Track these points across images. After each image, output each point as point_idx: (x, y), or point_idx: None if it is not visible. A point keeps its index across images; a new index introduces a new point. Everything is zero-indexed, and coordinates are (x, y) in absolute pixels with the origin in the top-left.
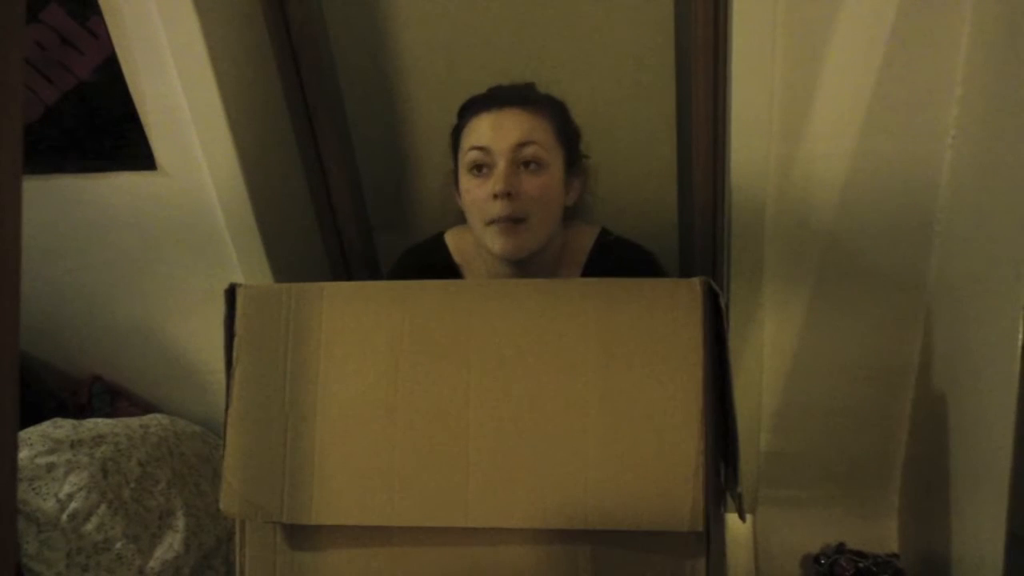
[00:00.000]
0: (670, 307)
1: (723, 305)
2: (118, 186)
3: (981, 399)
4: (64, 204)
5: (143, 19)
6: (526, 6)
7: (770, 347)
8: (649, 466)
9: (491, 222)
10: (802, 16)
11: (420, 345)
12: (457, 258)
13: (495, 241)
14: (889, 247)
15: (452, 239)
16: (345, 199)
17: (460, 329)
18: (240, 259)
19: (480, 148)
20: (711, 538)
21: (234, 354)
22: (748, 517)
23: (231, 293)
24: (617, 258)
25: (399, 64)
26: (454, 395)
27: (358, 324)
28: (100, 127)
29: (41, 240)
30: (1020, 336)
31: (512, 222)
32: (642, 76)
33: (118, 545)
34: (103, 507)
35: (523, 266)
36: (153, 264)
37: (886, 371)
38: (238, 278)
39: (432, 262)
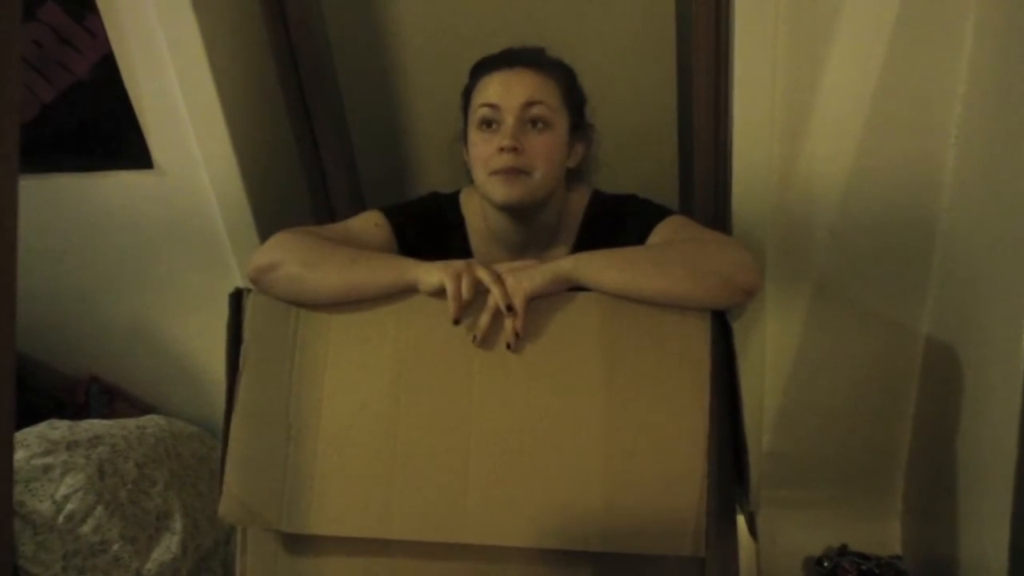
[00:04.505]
0: (677, 326)
1: (731, 325)
2: (115, 185)
3: (985, 400)
4: (61, 203)
5: (140, 17)
6: (527, 10)
7: (772, 347)
8: (652, 489)
9: (494, 172)
10: (804, 14)
11: (424, 357)
12: (464, 211)
13: (497, 189)
14: (892, 246)
15: (464, 195)
16: (343, 198)
17: (464, 343)
18: (238, 259)
19: (489, 105)
20: (717, 561)
21: (241, 361)
22: None
23: (236, 298)
24: (608, 212)
25: (399, 62)
26: (456, 409)
27: (364, 335)
28: (97, 126)
29: (38, 239)
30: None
31: (515, 172)
32: (643, 76)
33: (115, 547)
34: (100, 509)
35: (523, 221)
36: (150, 263)
37: (889, 372)
38: (235, 278)
39: (443, 208)
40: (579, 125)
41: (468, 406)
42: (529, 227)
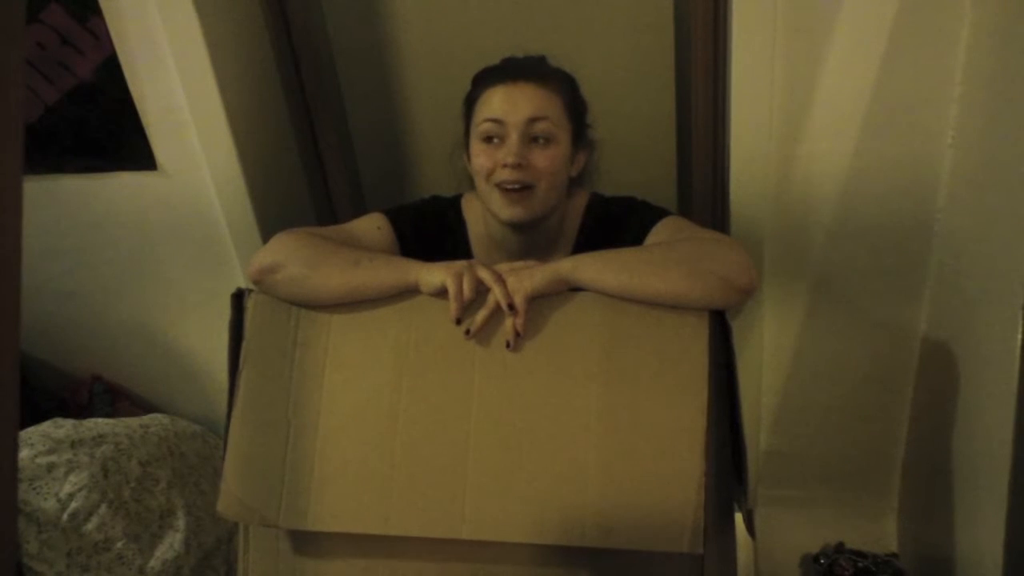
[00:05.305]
0: (676, 325)
1: (730, 324)
2: (118, 186)
3: (980, 399)
4: (64, 204)
5: (143, 19)
6: (527, 14)
7: (770, 346)
8: (650, 486)
9: (498, 185)
10: (802, 17)
11: (424, 355)
12: (465, 215)
13: (502, 208)
14: (889, 247)
15: (465, 200)
16: (345, 200)
17: (465, 342)
18: (240, 259)
19: (493, 120)
20: (715, 558)
21: (241, 359)
22: None
23: (238, 298)
24: (606, 214)
25: (399, 64)
26: (456, 406)
27: (365, 333)
28: (100, 127)
29: (41, 240)
30: (1019, 335)
31: (520, 189)
32: (642, 76)
33: (118, 545)
34: (103, 507)
35: (525, 230)
36: (153, 264)
37: (886, 371)
38: (238, 278)
39: (445, 212)
40: (581, 134)
41: (468, 405)
42: (530, 234)
